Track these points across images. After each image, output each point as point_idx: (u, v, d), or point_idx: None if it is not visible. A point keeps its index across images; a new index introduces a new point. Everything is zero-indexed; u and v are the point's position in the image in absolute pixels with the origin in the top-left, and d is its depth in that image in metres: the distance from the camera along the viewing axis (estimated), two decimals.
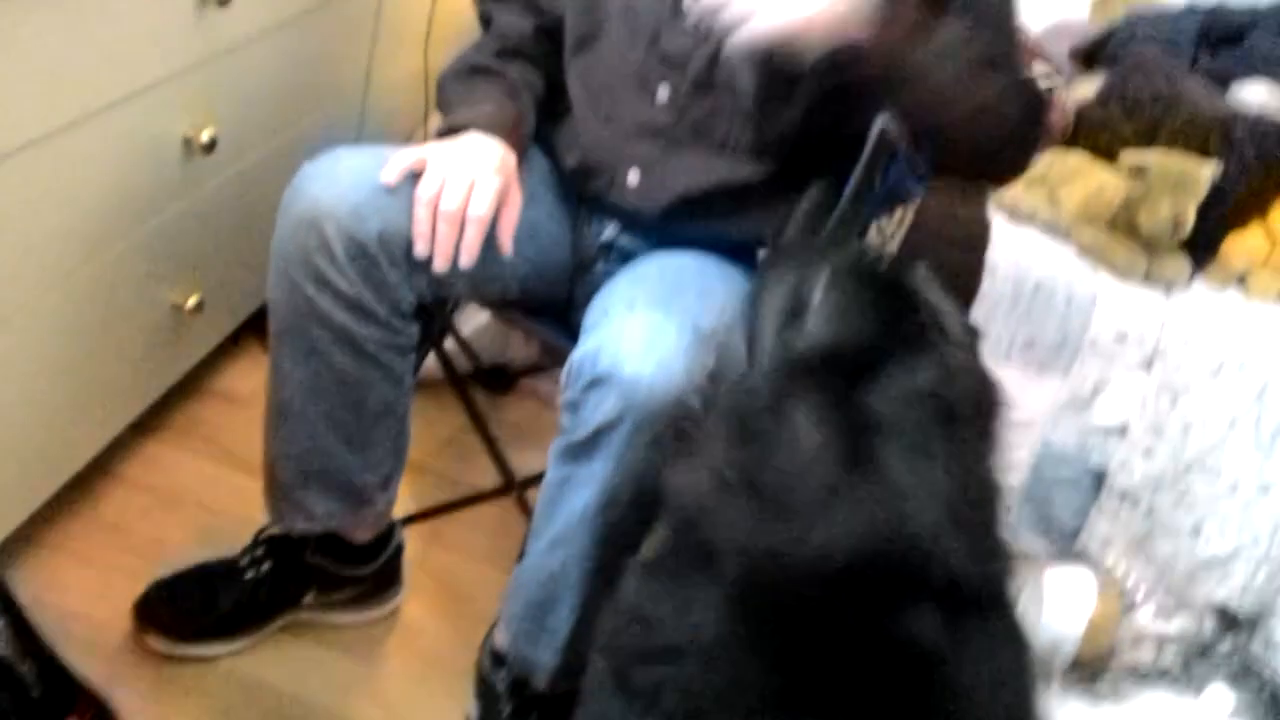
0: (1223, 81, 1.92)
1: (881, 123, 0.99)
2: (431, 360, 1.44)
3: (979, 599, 0.72)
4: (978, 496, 0.74)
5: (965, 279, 1.64)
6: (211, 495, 1.39)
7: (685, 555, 0.78)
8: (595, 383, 0.94)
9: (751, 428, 0.73)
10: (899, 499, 0.69)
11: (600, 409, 0.94)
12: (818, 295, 0.76)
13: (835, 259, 0.81)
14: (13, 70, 0.86)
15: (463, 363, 1.68)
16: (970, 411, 0.76)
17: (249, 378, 1.58)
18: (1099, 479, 1.67)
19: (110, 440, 1.31)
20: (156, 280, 1.25)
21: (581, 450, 0.97)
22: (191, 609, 1.18)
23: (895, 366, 0.74)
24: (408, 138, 1.97)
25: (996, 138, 1.05)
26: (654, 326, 0.96)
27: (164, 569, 1.23)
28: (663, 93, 1.11)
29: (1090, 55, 2.13)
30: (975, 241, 1.69)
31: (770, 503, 0.71)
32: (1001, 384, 0.82)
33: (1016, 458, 1.66)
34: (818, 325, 0.76)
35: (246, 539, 1.24)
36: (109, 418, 1.29)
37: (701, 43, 1.08)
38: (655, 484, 0.94)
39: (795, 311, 0.77)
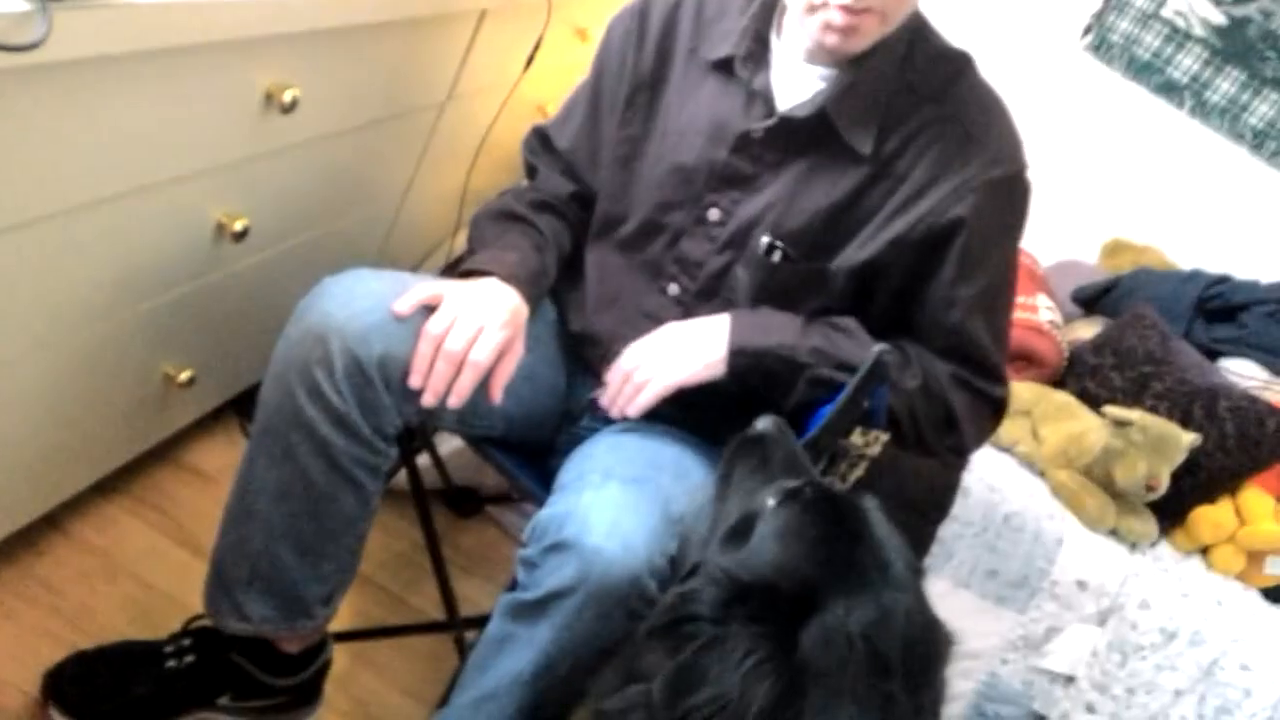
0: (1212, 354, 1.99)
1: (878, 351, 1.03)
2: (403, 470, 1.45)
3: None
4: None
5: (938, 495, 1.66)
6: (153, 571, 1.37)
7: None
8: (557, 547, 0.95)
9: (689, 654, 0.74)
10: None
11: (557, 574, 0.94)
12: (767, 518, 0.79)
13: (788, 482, 0.84)
14: (73, 138, 0.89)
15: (433, 478, 1.68)
16: (902, 660, 0.76)
17: (220, 455, 1.57)
18: None
19: (70, 496, 1.30)
20: (155, 350, 1.26)
21: (530, 611, 0.97)
22: (103, 690, 1.14)
23: (834, 602, 0.75)
24: (432, 250, 2.02)
25: (946, 442, 1.15)
26: (624, 503, 0.97)
27: (87, 640, 1.20)
28: (673, 289, 1.17)
29: (1092, 300, 2.21)
30: (953, 461, 1.72)
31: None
32: (945, 628, 0.82)
33: (960, 688, 1.65)
34: (762, 552, 0.79)
35: (177, 623, 1.21)
36: (75, 475, 1.29)
37: (716, 255, 1.15)
38: (594, 662, 0.94)
39: (743, 529, 0.80)
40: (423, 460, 1.52)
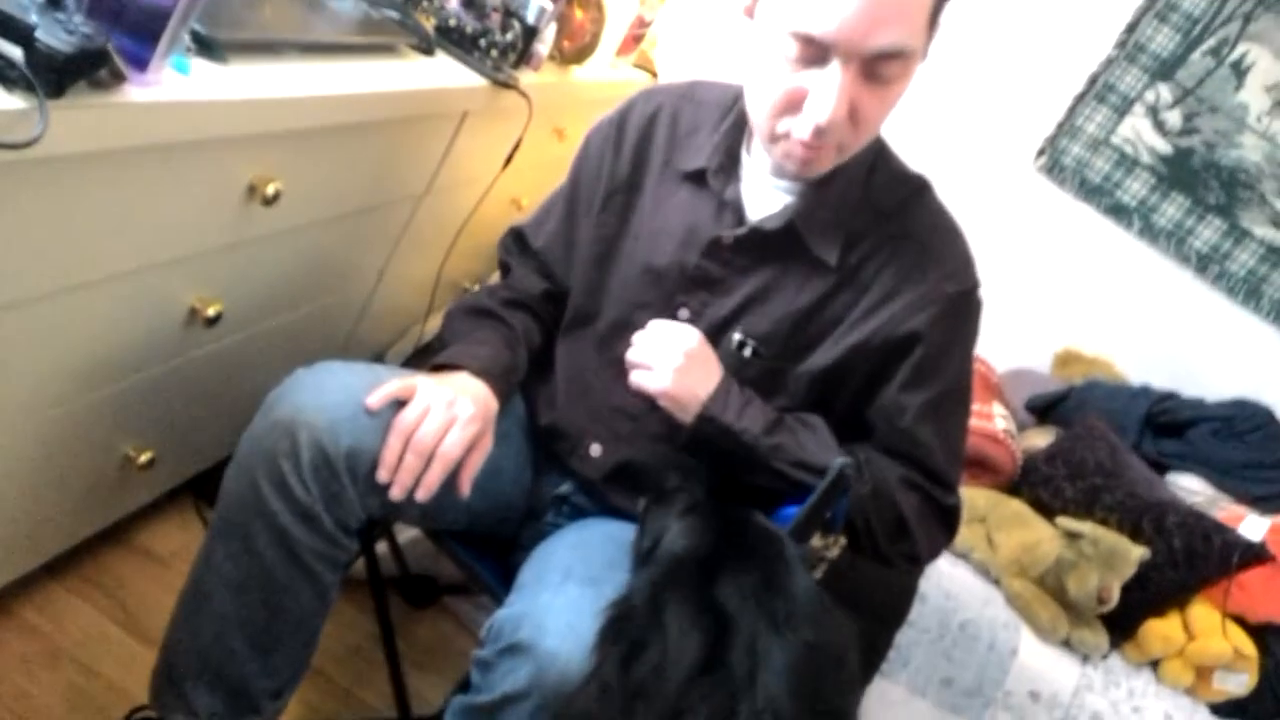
0: (1160, 468, 2.04)
1: (841, 462, 1.05)
2: (359, 559, 1.43)
3: None
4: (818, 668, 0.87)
5: (896, 601, 1.67)
6: (97, 657, 1.34)
7: None
8: (512, 649, 0.95)
9: (630, 632, 0.87)
10: (744, 685, 0.83)
11: (511, 677, 0.94)
12: (671, 525, 0.95)
13: (682, 501, 0.99)
14: (56, 227, 0.90)
15: (389, 565, 1.66)
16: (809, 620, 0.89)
17: (173, 538, 1.55)
18: None
19: (18, 576, 1.27)
20: (118, 432, 1.25)
21: (482, 715, 0.96)
22: None
23: (734, 566, 0.91)
24: (402, 334, 2.03)
25: (899, 550, 1.16)
26: (582, 606, 0.97)
27: None
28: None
29: (1045, 409, 2.27)
30: (908, 568, 1.74)
31: (640, 695, 0.84)
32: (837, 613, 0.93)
33: None
34: (672, 541, 0.95)
35: (119, 712, 1.18)
36: (24, 555, 1.26)
37: None
38: None
39: (653, 547, 0.95)
40: (380, 547, 1.51)
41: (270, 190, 1.14)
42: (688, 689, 0.83)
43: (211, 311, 1.21)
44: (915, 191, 1.19)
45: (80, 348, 1.07)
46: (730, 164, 1.19)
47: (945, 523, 1.20)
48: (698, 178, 1.20)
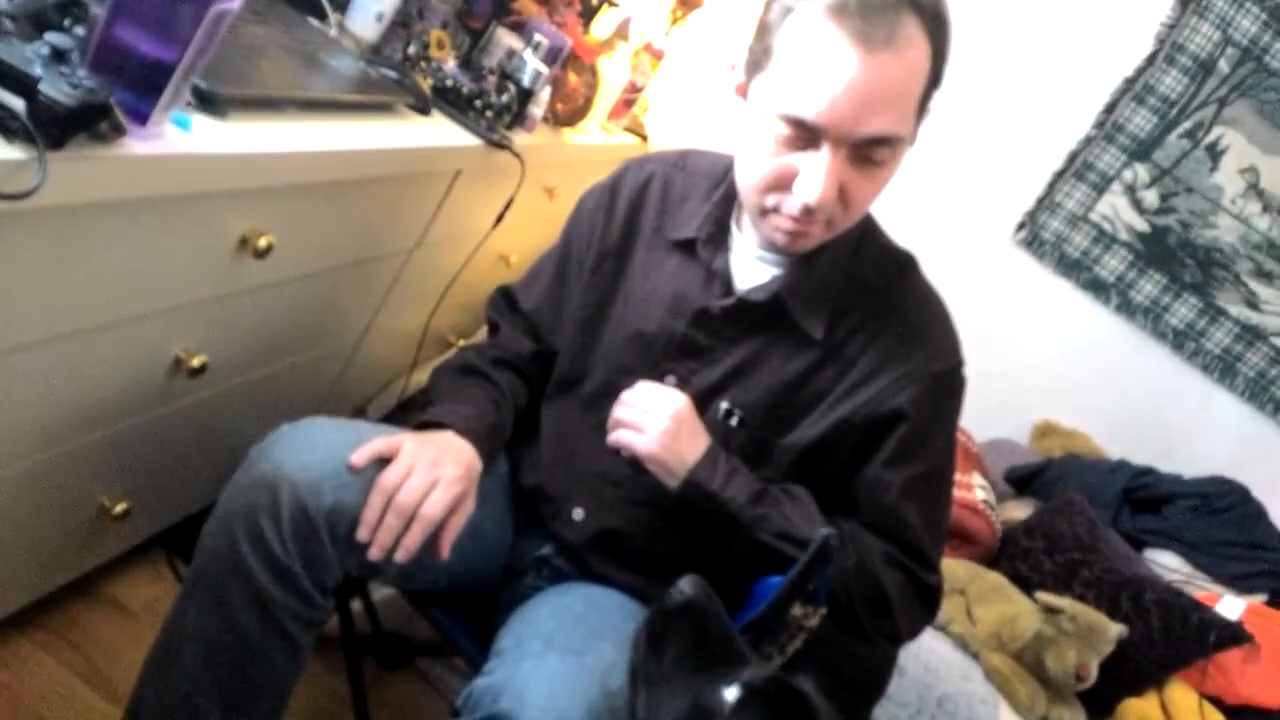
0: (1138, 543, 2.05)
1: (825, 534, 1.05)
2: (333, 617, 1.41)
3: None
4: None
5: (874, 673, 1.66)
6: (61, 713, 1.30)
7: None
8: (491, 719, 0.93)
9: None
10: None
11: None
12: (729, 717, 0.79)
13: (746, 674, 0.84)
14: (46, 277, 0.90)
15: (362, 624, 1.63)
16: None
17: (143, 590, 1.52)
18: None
19: None
20: (93, 482, 1.23)
21: None
22: None
23: None
24: (386, 386, 2.02)
25: (880, 626, 1.16)
26: (563, 676, 0.96)
27: None
28: (626, 453, 1.17)
29: (1024, 481, 2.28)
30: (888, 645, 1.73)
31: None
32: None
33: None
34: None
35: None
36: None
37: None
38: None
39: None
40: (354, 605, 1.49)
41: (263, 243, 1.14)
42: None
43: (196, 362, 1.21)
44: (901, 268, 1.21)
45: (63, 397, 1.06)
46: (720, 234, 1.20)
47: (926, 601, 1.20)
48: (687, 247, 1.21)
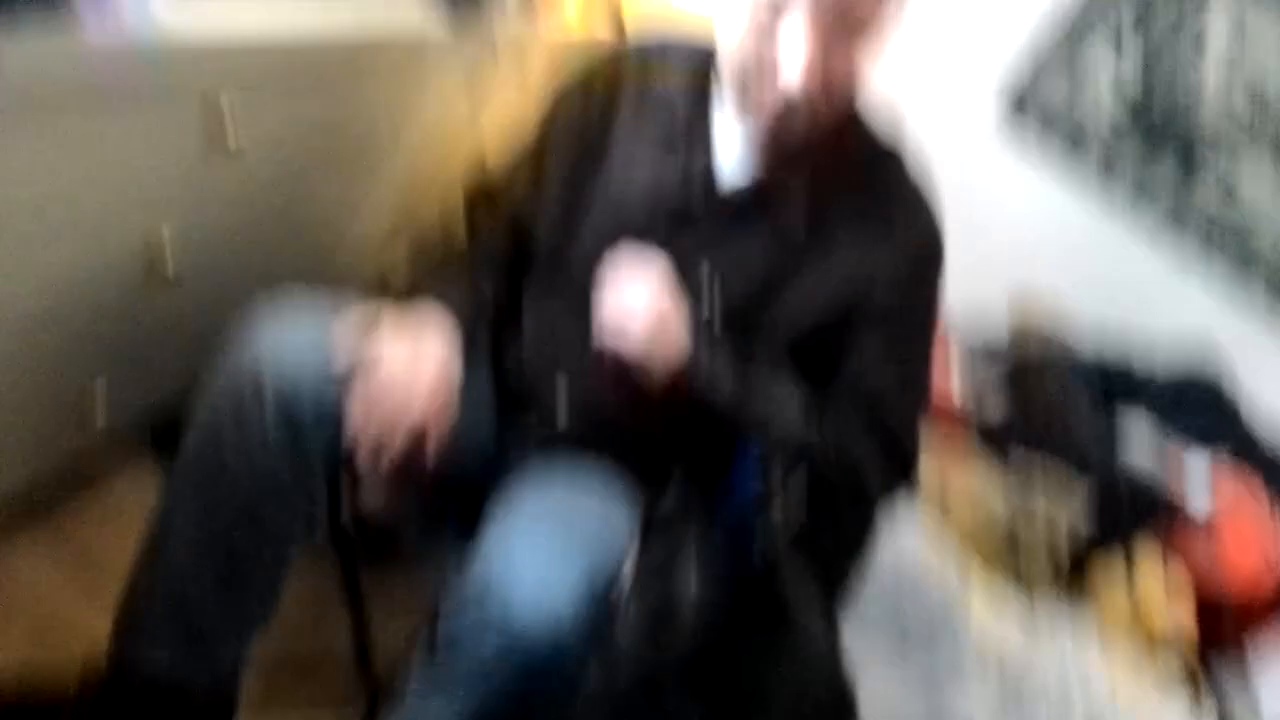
0: (1112, 429, 2.10)
1: (808, 430, 1.07)
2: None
3: None
4: None
5: (854, 550, 1.70)
6: (57, 602, 1.32)
7: None
8: (479, 622, 0.95)
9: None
10: None
11: (478, 648, 0.95)
12: (691, 596, 0.85)
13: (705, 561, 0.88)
14: (12, 172, 0.89)
15: (349, 520, 1.66)
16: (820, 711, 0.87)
17: (130, 489, 1.52)
18: None
19: None
20: (72, 380, 1.23)
21: (449, 682, 0.97)
22: None
23: (760, 662, 0.86)
24: (364, 290, 2.01)
25: (857, 491, 1.19)
26: (550, 561, 0.98)
27: None
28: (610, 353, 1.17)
29: (999, 371, 2.31)
30: (865, 524, 1.78)
31: None
32: (854, 682, 0.88)
33: None
34: (691, 628, 0.87)
35: (78, 650, 1.17)
36: None
37: None
38: None
39: (667, 614, 0.87)
40: (340, 499, 1.51)
41: (232, 140, 1.12)
42: None
43: (169, 259, 1.19)
44: (888, 152, 1.20)
45: (36, 292, 1.05)
46: (700, 125, 1.18)
47: (903, 467, 1.22)
48: (667, 135, 1.20)
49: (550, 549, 1.00)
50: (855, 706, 0.90)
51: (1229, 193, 2.36)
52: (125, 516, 1.49)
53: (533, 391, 1.23)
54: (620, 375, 1.16)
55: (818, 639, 0.90)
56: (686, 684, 0.82)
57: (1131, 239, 2.44)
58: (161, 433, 1.54)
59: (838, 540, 1.64)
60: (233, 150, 1.12)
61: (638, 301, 1.12)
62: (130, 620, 1.11)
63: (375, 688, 1.36)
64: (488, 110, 1.67)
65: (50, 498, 1.44)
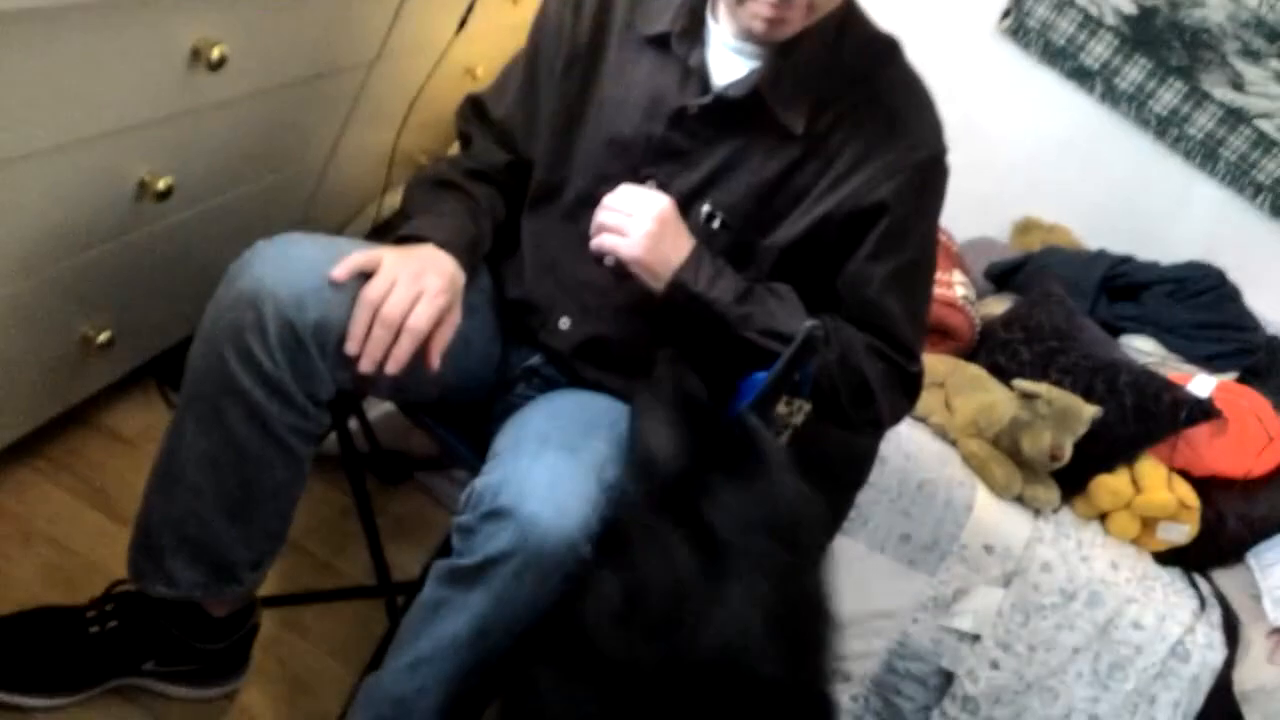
0: (1115, 330, 2.09)
1: (809, 326, 1.06)
2: (331, 436, 1.44)
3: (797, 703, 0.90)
4: (800, 613, 0.93)
5: (857, 464, 1.72)
6: (71, 535, 1.34)
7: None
8: (493, 514, 0.96)
9: (632, 556, 0.92)
10: (737, 617, 0.88)
11: (493, 541, 0.96)
12: (662, 435, 0.98)
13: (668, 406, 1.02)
14: None
15: (361, 442, 1.67)
16: (793, 534, 0.93)
17: (137, 418, 1.54)
18: (947, 680, 1.74)
19: None
20: (73, 311, 1.22)
21: (466, 577, 0.98)
22: (21, 654, 1.12)
23: (729, 493, 0.94)
24: (360, 210, 1.99)
25: (863, 415, 1.19)
26: (561, 470, 0.99)
27: (3, 606, 1.17)
28: (610, 258, 1.16)
29: (1003, 276, 2.30)
30: (870, 433, 1.78)
31: (650, 620, 0.89)
32: (816, 500, 0.98)
33: (873, 646, 1.72)
34: (664, 456, 0.98)
35: (97, 588, 1.19)
36: None
37: None
38: (530, 626, 0.97)
39: (647, 463, 0.99)
40: (350, 424, 1.51)
41: (215, 54, 1.08)
42: (678, 604, 0.88)
43: (161, 185, 1.17)
44: (884, 54, 1.17)
45: (28, 221, 1.03)
46: (695, 27, 1.15)
47: (908, 389, 1.22)
48: (661, 42, 1.17)
49: (561, 448, 1.01)
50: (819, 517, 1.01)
51: (1236, 85, 2.32)
52: (135, 446, 1.50)
53: (535, 307, 1.22)
54: (620, 278, 1.15)
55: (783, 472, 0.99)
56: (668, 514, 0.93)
57: (1133, 145, 2.41)
58: (166, 365, 1.54)
59: (840, 460, 1.67)
60: (216, 65, 1.09)
61: (637, 204, 1.11)
62: (146, 543, 1.12)
63: (394, 609, 1.38)
64: (477, 23, 1.62)
65: (61, 432, 1.45)
